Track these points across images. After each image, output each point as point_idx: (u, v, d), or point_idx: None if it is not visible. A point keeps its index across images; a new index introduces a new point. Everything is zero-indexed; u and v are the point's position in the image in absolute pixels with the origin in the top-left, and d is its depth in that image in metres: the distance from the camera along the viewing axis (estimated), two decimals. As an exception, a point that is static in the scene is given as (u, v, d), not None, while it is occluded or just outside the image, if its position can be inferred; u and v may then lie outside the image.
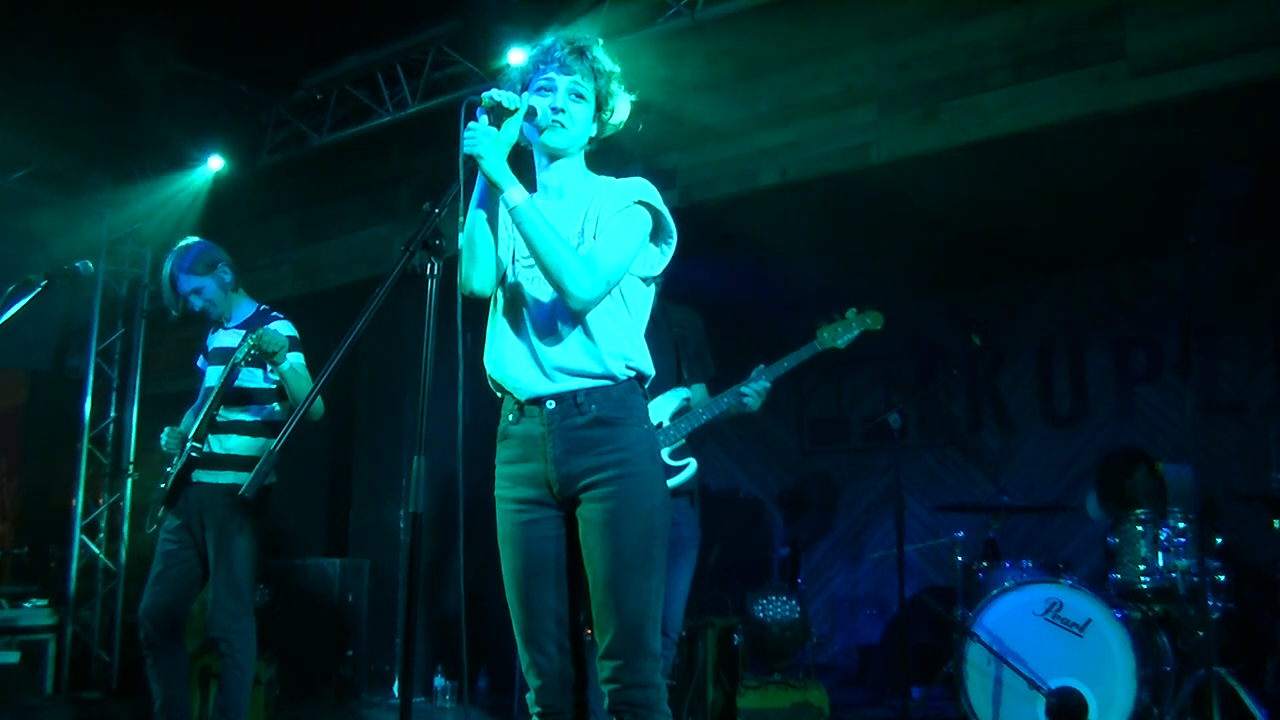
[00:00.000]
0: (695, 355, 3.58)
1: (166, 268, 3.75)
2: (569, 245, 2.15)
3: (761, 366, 3.45)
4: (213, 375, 3.72)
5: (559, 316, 2.20)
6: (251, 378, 3.65)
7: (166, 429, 3.75)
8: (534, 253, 2.14)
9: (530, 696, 2.19)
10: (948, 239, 5.91)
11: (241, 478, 3.62)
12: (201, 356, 3.89)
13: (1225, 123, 4.45)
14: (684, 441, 3.40)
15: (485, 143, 2.09)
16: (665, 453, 3.31)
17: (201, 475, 3.64)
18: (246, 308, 3.87)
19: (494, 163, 2.10)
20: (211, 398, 3.59)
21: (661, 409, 3.39)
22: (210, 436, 3.62)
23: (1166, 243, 5.11)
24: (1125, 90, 4.06)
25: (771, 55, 4.96)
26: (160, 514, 3.70)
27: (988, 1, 4.41)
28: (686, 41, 4.92)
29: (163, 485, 3.70)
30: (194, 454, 3.60)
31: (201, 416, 3.58)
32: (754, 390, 3.40)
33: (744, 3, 4.61)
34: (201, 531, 3.63)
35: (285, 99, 6.05)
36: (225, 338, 3.78)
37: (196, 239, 3.88)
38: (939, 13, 4.53)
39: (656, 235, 2.29)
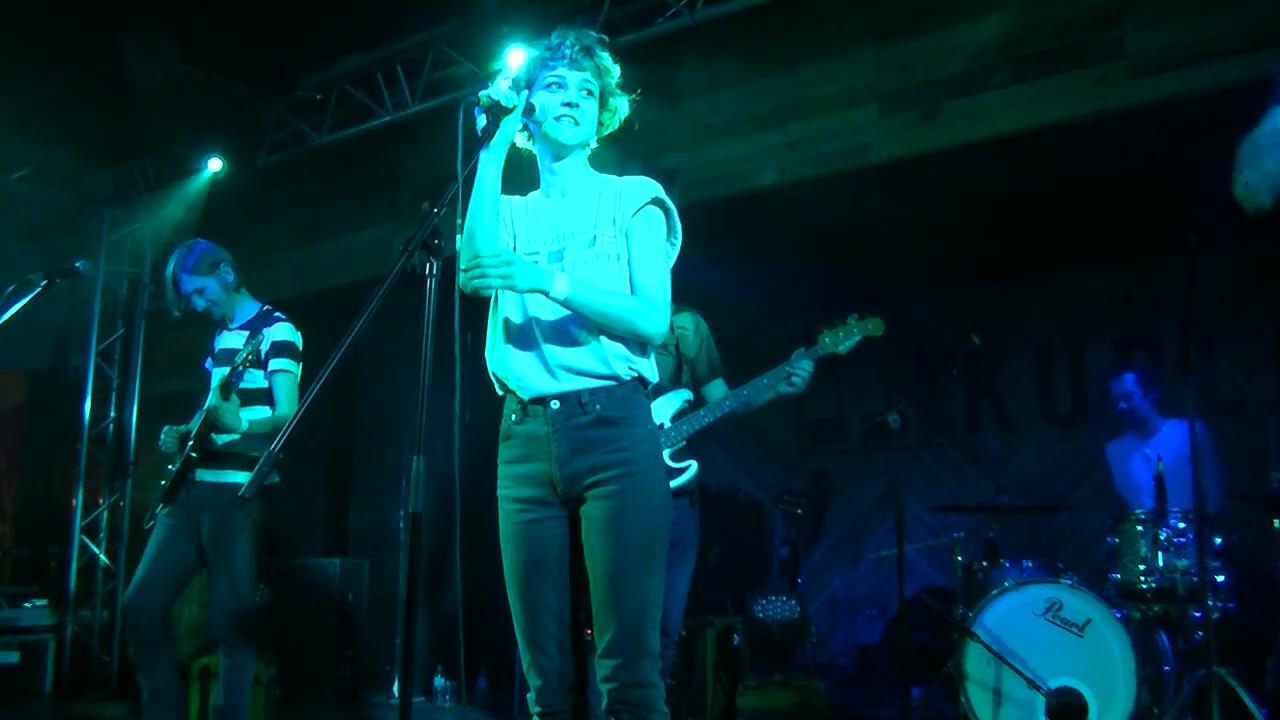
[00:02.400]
0: (699, 356, 3.57)
1: (169, 267, 3.77)
2: (624, 298, 2.19)
3: (802, 349, 3.46)
4: (217, 377, 3.71)
5: (564, 316, 2.20)
6: (253, 379, 3.65)
7: (166, 428, 3.75)
8: (598, 321, 2.17)
9: (531, 696, 2.18)
10: (947, 239, 5.91)
11: (242, 477, 3.62)
12: (209, 358, 3.90)
13: (1225, 123, 4.44)
14: (685, 443, 3.40)
15: (521, 275, 2.09)
16: (666, 454, 3.30)
17: (203, 474, 3.64)
18: (249, 308, 3.88)
19: (527, 279, 2.10)
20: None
21: (662, 410, 3.39)
22: (212, 436, 3.62)
23: (1166, 243, 5.11)
24: (1125, 90, 4.06)
25: (771, 55, 4.96)
26: (159, 510, 3.70)
27: (988, 1, 4.41)
28: (686, 41, 4.92)
29: (163, 483, 3.71)
30: (194, 453, 3.60)
31: (200, 415, 3.59)
32: (801, 369, 3.42)
33: (744, 3, 4.62)
34: (201, 529, 3.62)
35: (285, 99, 6.05)
36: (229, 339, 3.79)
37: (199, 239, 3.90)
38: (939, 13, 4.53)
39: (666, 234, 2.31)
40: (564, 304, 2.13)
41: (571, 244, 2.25)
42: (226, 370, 3.56)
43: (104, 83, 5.43)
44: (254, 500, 3.59)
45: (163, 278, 3.83)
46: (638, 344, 2.24)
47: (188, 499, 3.64)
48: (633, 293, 2.24)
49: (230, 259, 3.84)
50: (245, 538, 3.61)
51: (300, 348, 3.77)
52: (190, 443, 3.61)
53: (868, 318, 3.54)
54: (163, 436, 3.73)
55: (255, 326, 3.72)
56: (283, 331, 3.72)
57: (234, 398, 3.51)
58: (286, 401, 3.66)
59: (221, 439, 3.63)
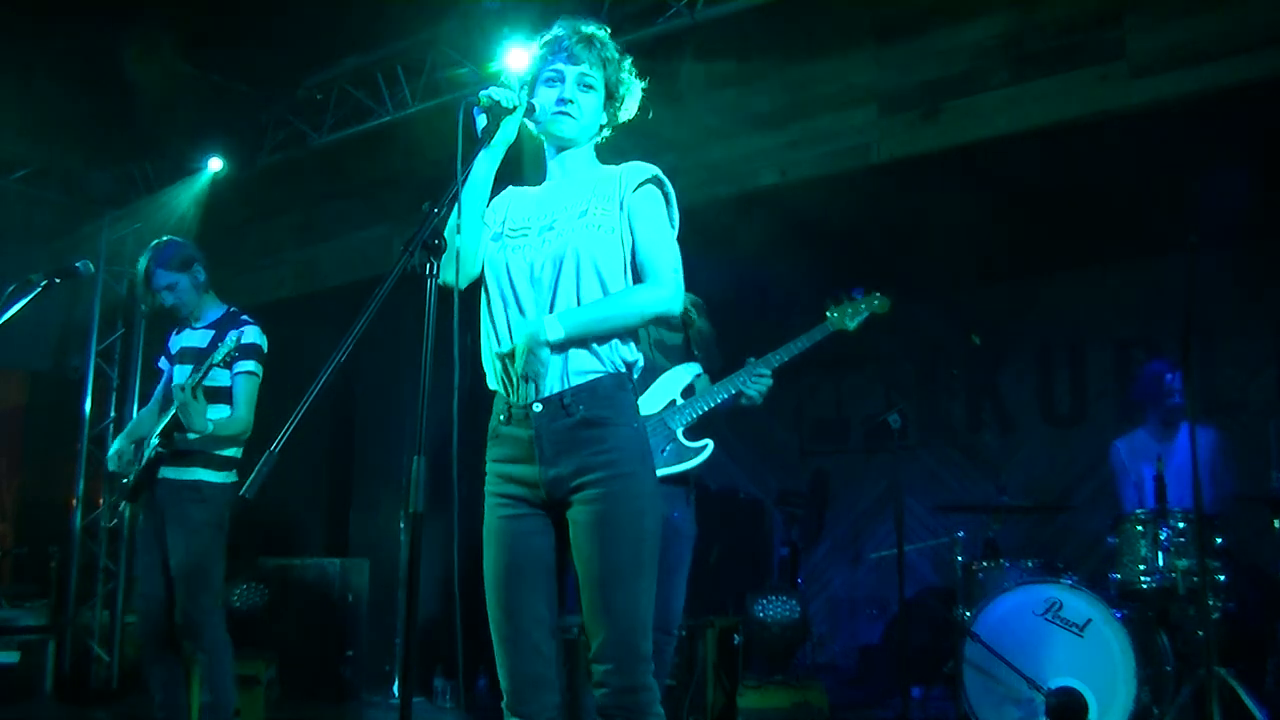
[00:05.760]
0: (701, 342, 3.52)
1: (143, 262, 3.85)
2: (621, 296, 2.16)
3: (752, 359, 3.33)
4: (179, 374, 3.75)
5: (546, 287, 2.18)
6: (216, 377, 3.68)
7: (115, 445, 3.83)
8: (611, 331, 2.15)
9: (504, 702, 2.14)
10: (948, 239, 5.91)
11: (205, 474, 3.67)
12: (163, 357, 3.96)
13: (1225, 123, 4.45)
14: (697, 420, 3.24)
15: (521, 354, 2.11)
16: (679, 431, 3.19)
17: (167, 472, 3.67)
18: (215, 309, 3.94)
19: (526, 350, 2.11)
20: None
21: (673, 384, 3.28)
22: (176, 434, 3.65)
23: (1166, 243, 5.11)
24: (1125, 90, 4.06)
25: (771, 55, 4.96)
26: (121, 508, 3.76)
27: (988, 1, 4.41)
28: (686, 41, 4.92)
29: (125, 480, 3.75)
30: (161, 450, 3.63)
31: (171, 415, 3.61)
32: (754, 385, 3.29)
33: (744, 3, 4.61)
34: (164, 526, 3.65)
35: (285, 99, 6.05)
36: (192, 337, 3.86)
37: (174, 238, 3.98)
38: (939, 13, 4.53)
39: (666, 211, 2.29)
40: (568, 341, 2.11)
41: (562, 217, 2.22)
42: (190, 368, 3.63)
43: (104, 83, 5.43)
44: (215, 497, 3.66)
45: (137, 270, 3.91)
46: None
47: (152, 497, 3.69)
48: (638, 274, 2.21)
49: (203, 259, 3.91)
50: (208, 533, 3.65)
51: (265, 352, 3.82)
52: (156, 439, 3.65)
53: (873, 294, 3.53)
54: (112, 457, 3.79)
55: (222, 326, 3.80)
56: (251, 334, 3.77)
57: (200, 397, 3.54)
58: (245, 404, 3.72)
59: (184, 437, 3.66)
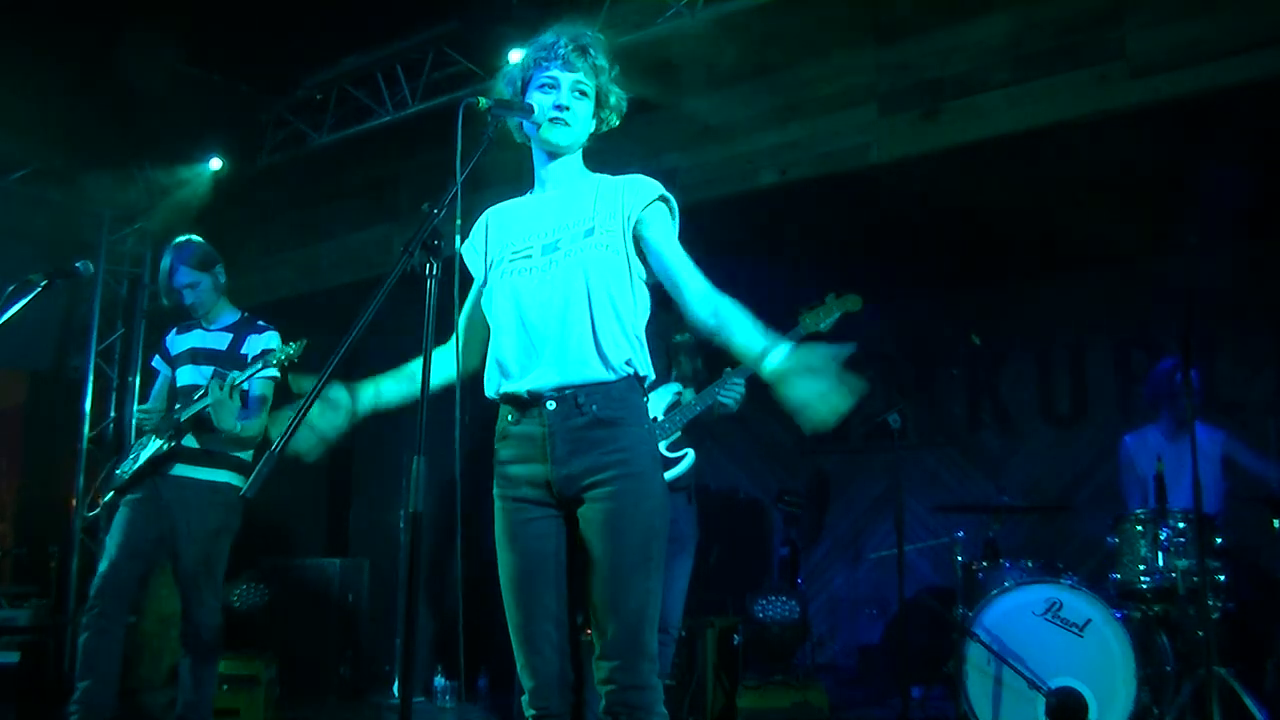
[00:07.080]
0: (688, 359, 3.64)
1: (167, 259, 3.88)
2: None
3: (729, 369, 3.50)
4: (188, 374, 3.78)
5: (559, 316, 2.18)
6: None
7: (148, 406, 3.85)
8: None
9: (525, 698, 2.17)
10: (947, 239, 5.90)
11: (229, 476, 3.70)
12: (158, 357, 3.99)
13: (1225, 123, 4.45)
14: (680, 434, 3.43)
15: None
16: (662, 446, 3.35)
17: (186, 470, 3.68)
18: (230, 313, 3.97)
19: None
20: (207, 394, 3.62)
21: (655, 404, 3.46)
22: (198, 434, 3.66)
23: (1166, 243, 5.11)
24: (1125, 90, 4.07)
25: (771, 55, 4.96)
26: (108, 498, 3.74)
27: (988, 1, 4.41)
28: (686, 41, 4.92)
29: (120, 472, 3.74)
30: (171, 443, 3.63)
31: (192, 412, 3.61)
32: (733, 390, 3.48)
33: (744, 2, 4.62)
34: (176, 526, 3.65)
35: (285, 99, 6.06)
36: (206, 339, 3.89)
37: (195, 237, 4.00)
38: (939, 13, 4.53)
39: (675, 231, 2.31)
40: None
41: (566, 234, 2.23)
42: (211, 370, 3.66)
43: (104, 83, 5.43)
44: (232, 500, 3.68)
45: (160, 266, 3.94)
46: (634, 339, 2.23)
47: (158, 493, 3.68)
48: (680, 288, 2.25)
49: (222, 262, 3.94)
50: (223, 535, 3.68)
51: None
52: (171, 431, 3.64)
53: (844, 296, 3.60)
54: (153, 417, 3.77)
55: (240, 330, 3.84)
56: (273, 339, 3.82)
57: (236, 397, 3.54)
58: (264, 407, 3.75)
59: (205, 437, 3.66)
